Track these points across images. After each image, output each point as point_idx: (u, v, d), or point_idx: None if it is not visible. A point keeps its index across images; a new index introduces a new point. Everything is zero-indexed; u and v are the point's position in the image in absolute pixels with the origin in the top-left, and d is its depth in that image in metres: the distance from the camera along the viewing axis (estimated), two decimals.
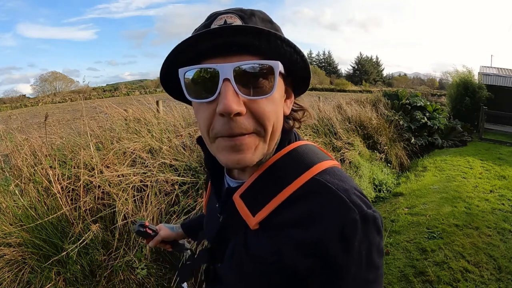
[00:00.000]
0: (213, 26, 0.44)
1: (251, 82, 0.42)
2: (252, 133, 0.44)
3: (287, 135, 0.53)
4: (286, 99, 0.52)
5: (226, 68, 0.41)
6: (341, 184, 0.46)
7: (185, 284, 0.83)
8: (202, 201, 2.26)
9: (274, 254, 0.46)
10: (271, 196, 0.47)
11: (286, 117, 0.53)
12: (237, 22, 0.44)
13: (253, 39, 0.41)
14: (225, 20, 0.44)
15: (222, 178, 0.60)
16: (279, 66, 0.43)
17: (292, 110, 0.55)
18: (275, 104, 0.45)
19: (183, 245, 0.90)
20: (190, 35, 0.44)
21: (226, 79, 0.41)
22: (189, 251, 0.89)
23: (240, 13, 0.45)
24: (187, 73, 0.44)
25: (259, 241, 0.48)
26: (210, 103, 0.43)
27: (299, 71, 0.49)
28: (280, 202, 0.46)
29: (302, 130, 4.11)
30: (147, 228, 0.86)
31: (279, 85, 0.45)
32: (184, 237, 0.91)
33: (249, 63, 0.41)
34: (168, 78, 0.49)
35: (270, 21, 0.48)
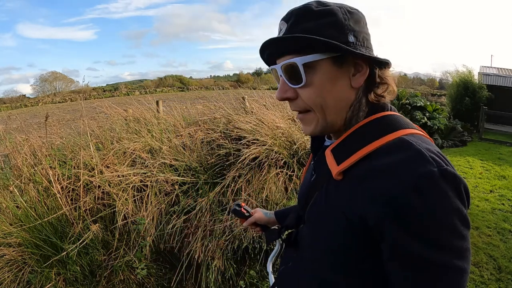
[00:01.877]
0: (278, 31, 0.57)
1: (291, 75, 0.53)
2: (309, 111, 0.55)
3: (374, 106, 0.55)
4: (356, 73, 0.54)
5: (278, 68, 0.54)
6: (425, 145, 0.46)
7: (270, 266, 0.87)
8: (202, 201, 2.27)
9: (350, 201, 0.48)
10: (357, 149, 0.50)
11: (373, 90, 0.55)
12: (284, 27, 0.54)
13: (284, 46, 0.53)
14: (280, 27, 0.55)
15: (323, 142, 0.68)
16: (297, 62, 0.51)
17: (376, 83, 0.56)
18: (316, 88, 0.52)
19: (273, 230, 0.92)
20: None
21: (281, 75, 0.55)
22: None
23: (287, 17, 0.54)
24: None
25: (339, 190, 0.51)
26: None
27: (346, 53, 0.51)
28: (364, 155, 0.48)
29: None
30: (242, 208, 0.93)
31: (319, 71, 0.52)
32: (276, 224, 0.95)
33: (285, 63, 0.53)
34: None
35: (306, 15, 0.52)
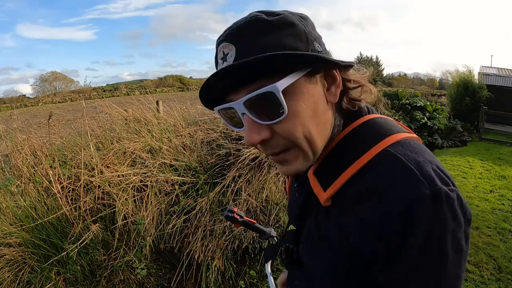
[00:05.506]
0: (218, 60, 0.46)
1: (263, 109, 0.42)
2: (289, 148, 0.45)
3: (349, 114, 0.51)
4: (330, 86, 0.48)
5: (238, 105, 0.43)
6: (414, 156, 0.41)
7: (268, 267, 0.86)
8: (202, 201, 2.26)
9: (341, 233, 0.44)
10: (342, 170, 0.45)
11: (346, 96, 0.50)
12: (232, 50, 0.42)
13: (249, 72, 0.40)
14: (223, 51, 0.43)
15: None
16: (278, 88, 0.40)
17: (349, 88, 0.50)
18: (299, 116, 0.43)
19: (269, 233, 0.95)
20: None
21: (243, 114, 0.43)
22: (275, 238, 0.95)
23: (231, 37, 0.43)
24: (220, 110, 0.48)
25: (328, 218, 0.47)
26: None
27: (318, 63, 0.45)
28: (350, 176, 0.44)
29: None
30: (234, 214, 0.93)
31: (298, 94, 0.43)
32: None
33: (251, 96, 0.41)
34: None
35: (262, 28, 0.42)
